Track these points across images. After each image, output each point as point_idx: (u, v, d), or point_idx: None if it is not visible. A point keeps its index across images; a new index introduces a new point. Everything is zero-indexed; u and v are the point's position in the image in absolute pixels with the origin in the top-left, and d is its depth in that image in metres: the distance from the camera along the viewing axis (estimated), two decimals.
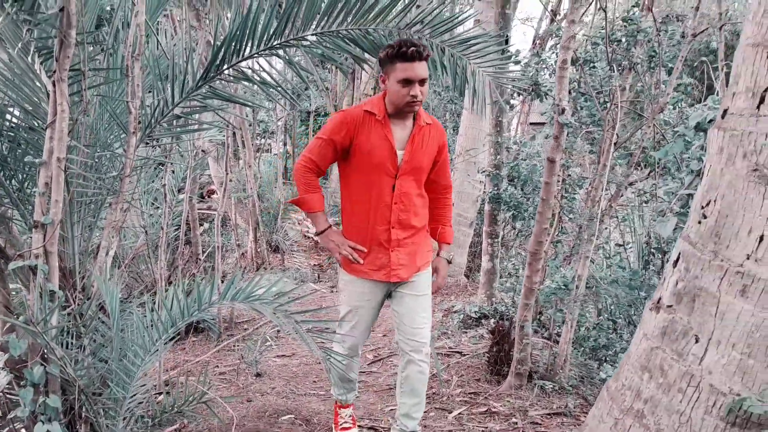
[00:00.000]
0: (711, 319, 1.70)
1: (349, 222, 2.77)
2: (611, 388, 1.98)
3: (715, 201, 1.74)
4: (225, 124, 4.92)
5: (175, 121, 3.35)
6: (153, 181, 4.93)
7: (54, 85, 2.31)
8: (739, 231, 1.66)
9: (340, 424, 3.13)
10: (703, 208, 1.78)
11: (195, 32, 5.44)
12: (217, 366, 4.41)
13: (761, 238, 1.63)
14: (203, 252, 6.20)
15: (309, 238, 11.10)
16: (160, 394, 3.45)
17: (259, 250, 8.76)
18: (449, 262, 2.97)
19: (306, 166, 2.73)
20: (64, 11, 2.26)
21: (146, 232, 4.76)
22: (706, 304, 1.72)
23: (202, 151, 6.56)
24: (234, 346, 4.89)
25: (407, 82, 2.52)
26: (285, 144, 16.83)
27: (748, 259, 1.65)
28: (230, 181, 10.58)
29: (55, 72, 2.30)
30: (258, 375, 4.13)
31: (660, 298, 1.88)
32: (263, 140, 18.46)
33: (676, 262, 1.86)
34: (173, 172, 5.55)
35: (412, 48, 2.50)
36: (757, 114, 1.64)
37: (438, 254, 2.95)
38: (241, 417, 3.33)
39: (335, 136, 2.67)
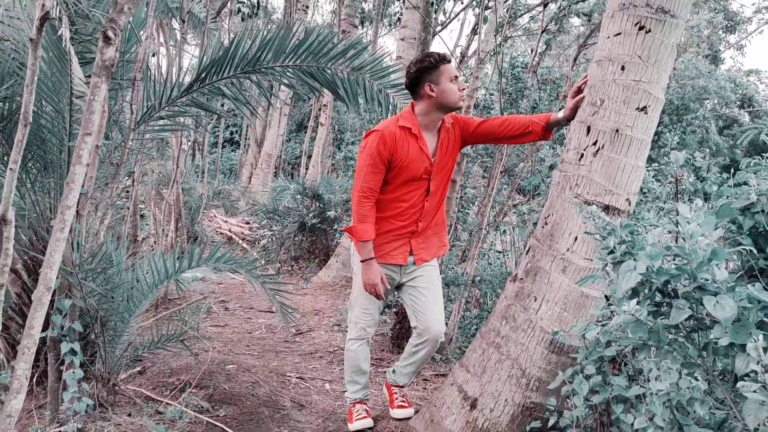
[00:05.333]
0: (544, 286, 2.75)
1: (381, 217, 2.98)
2: (482, 331, 3.00)
3: (552, 215, 2.80)
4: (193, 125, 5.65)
5: (157, 121, 4.14)
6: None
7: None
8: (564, 233, 2.72)
9: (355, 416, 3.24)
10: (545, 218, 2.84)
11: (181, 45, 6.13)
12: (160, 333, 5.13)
13: (576, 238, 2.69)
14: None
15: (221, 233, 11.72)
16: None
17: (178, 239, 9.34)
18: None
19: (365, 196, 2.88)
20: None
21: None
22: (542, 277, 2.77)
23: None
24: (169, 317, 5.60)
25: (455, 78, 2.87)
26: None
27: (567, 250, 2.71)
28: (153, 173, 11.03)
29: None
30: (198, 338, 4.90)
31: (516, 274, 2.93)
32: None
33: (527, 251, 2.92)
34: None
35: (445, 53, 2.92)
36: (578, 164, 2.71)
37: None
38: (194, 364, 4.12)
39: (381, 156, 2.84)
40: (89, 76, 3.52)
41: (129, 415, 3.18)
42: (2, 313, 3.55)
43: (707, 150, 22.34)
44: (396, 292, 3.22)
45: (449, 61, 2.89)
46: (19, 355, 1.77)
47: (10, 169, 1.79)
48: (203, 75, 3.90)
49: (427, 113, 2.92)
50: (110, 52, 1.83)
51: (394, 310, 5.12)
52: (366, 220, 2.90)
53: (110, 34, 1.80)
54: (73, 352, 3.00)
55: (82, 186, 3.11)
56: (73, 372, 2.96)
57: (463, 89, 2.90)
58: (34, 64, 1.70)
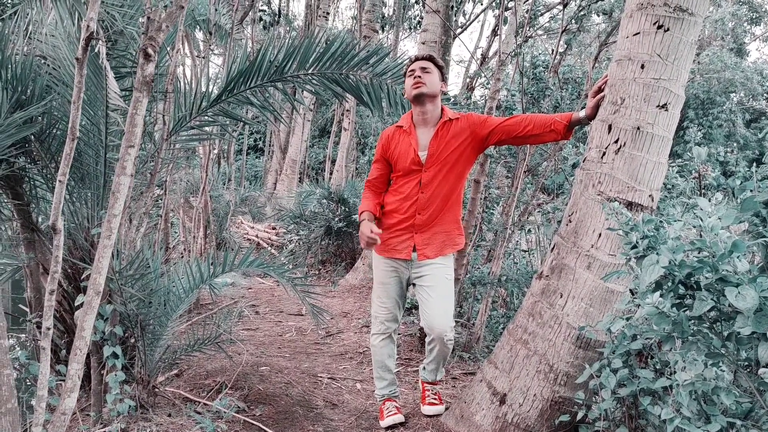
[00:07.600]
0: (570, 283, 2.80)
1: (386, 211, 3.28)
2: (509, 328, 3.06)
3: (576, 212, 2.85)
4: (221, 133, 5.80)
5: (187, 131, 4.26)
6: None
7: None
8: (588, 230, 2.77)
9: (386, 413, 3.36)
10: (569, 216, 2.90)
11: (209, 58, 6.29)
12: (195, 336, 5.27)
13: (600, 235, 2.74)
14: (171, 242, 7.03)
15: (248, 239, 11.89)
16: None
17: (207, 246, 9.51)
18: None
19: (366, 185, 3.38)
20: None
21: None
22: (567, 274, 2.82)
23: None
24: (203, 322, 5.73)
25: (410, 72, 3.14)
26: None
27: (592, 247, 2.76)
28: (181, 181, 11.23)
29: None
30: (231, 342, 5.02)
31: (542, 272, 2.99)
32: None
33: (552, 249, 2.97)
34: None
35: (414, 56, 3.26)
36: (601, 162, 2.76)
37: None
38: (229, 366, 4.23)
39: (378, 152, 3.31)
40: (124, 90, 3.67)
41: (169, 415, 3.29)
42: None
43: (734, 144, 22.04)
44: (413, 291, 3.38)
45: (412, 63, 3.20)
46: (71, 356, 1.88)
47: (59, 181, 1.90)
48: (231, 85, 4.01)
49: (413, 110, 3.22)
50: (150, 68, 1.93)
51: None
52: (365, 202, 3.31)
53: (150, 51, 1.91)
54: (114, 355, 3.13)
55: None
56: (116, 374, 3.09)
57: (419, 76, 3.09)
58: (80, 81, 1.80)
